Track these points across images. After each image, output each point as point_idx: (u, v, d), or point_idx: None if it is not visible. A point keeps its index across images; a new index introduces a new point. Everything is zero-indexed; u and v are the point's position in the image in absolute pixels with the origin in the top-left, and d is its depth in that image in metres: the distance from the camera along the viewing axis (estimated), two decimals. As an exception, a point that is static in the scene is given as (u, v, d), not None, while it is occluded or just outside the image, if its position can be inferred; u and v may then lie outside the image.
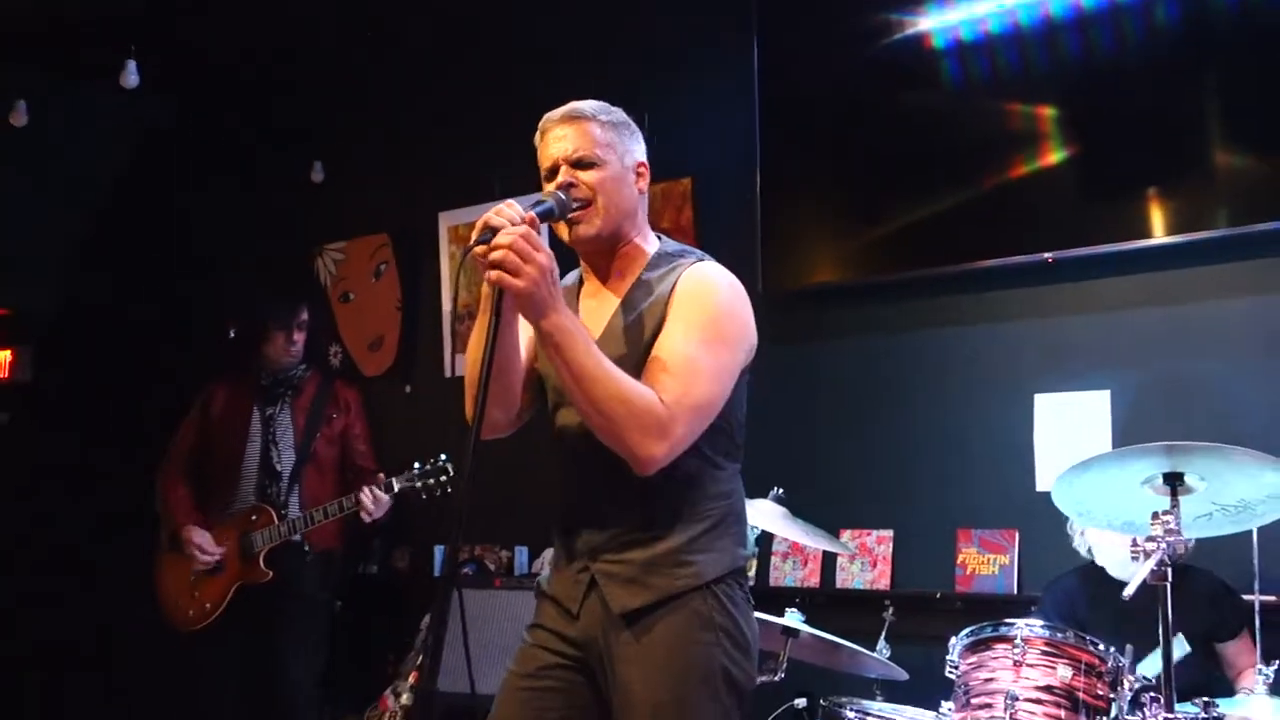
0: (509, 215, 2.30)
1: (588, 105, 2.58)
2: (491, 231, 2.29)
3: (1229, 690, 3.49)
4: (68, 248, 6.87)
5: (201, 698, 4.90)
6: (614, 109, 2.61)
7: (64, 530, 6.56)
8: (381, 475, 4.65)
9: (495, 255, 2.25)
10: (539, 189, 2.57)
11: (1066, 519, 3.82)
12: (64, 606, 6.46)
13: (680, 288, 2.50)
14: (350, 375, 6.14)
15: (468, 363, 2.52)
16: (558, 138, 2.54)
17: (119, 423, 6.59)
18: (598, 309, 2.59)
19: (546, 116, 2.59)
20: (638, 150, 2.62)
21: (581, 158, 2.51)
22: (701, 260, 2.59)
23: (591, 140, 2.52)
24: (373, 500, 4.58)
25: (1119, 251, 4.24)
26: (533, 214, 2.35)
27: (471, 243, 2.31)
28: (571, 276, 2.71)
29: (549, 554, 5.47)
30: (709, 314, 2.48)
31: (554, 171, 2.53)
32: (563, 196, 2.49)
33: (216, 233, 6.87)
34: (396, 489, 4.59)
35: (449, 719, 4.96)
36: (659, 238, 2.67)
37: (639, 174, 2.60)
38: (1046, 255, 4.34)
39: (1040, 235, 4.38)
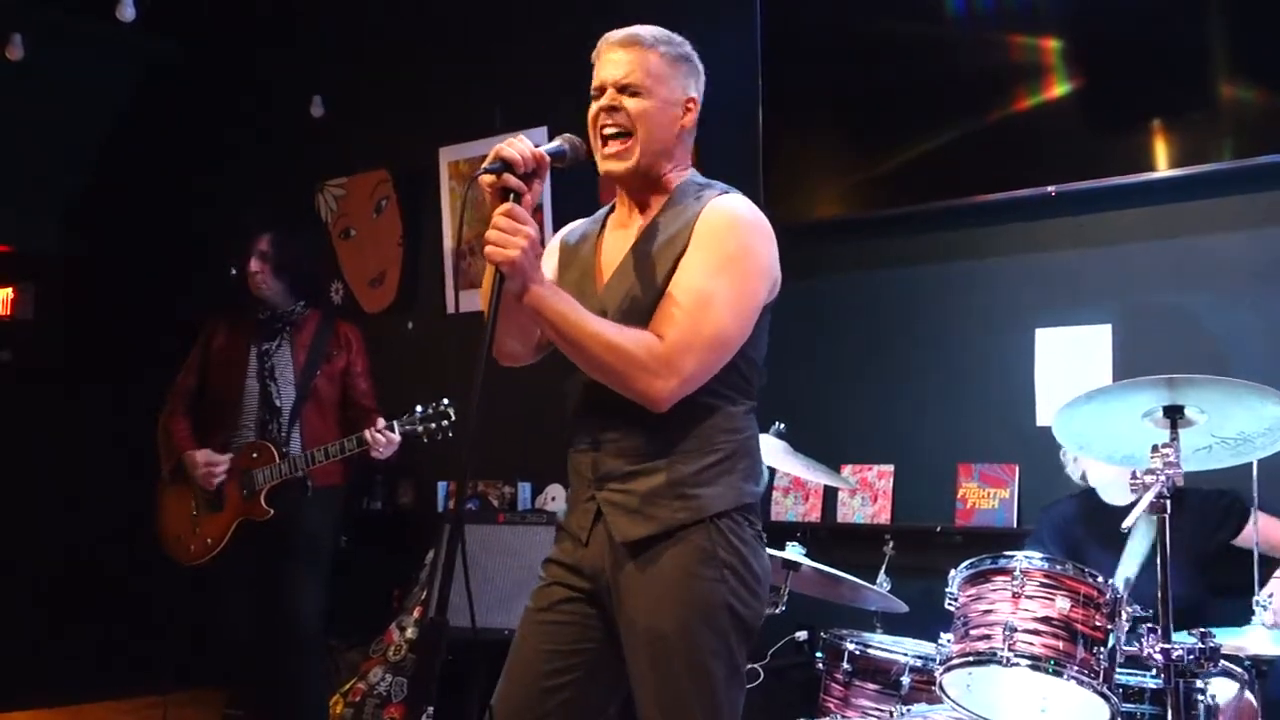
0: (520, 149, 2.33)
1: (648, 33, 2.55)
2: (502, 162, 2.32)
3: (1226, 619, 3.51)
4: (69, 184, 6.85)
5: (214, 630, 4.93)
6: (677, 40, 2.59)
7: (65, 467, 6.59)
8: (380, 420, 4.63)
9: (488, 234, 2.30)
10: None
11: (1060, 447, 3.83)
12: (64, 542, 6.51)
13: (701, 221, 2.47)
14: (351, 313, 6.13)
15: (482, 296, 2.52)
16: (611, 60, 2.52)
17: (120, 361, 6.60)
18: (618, 241, 2.58)
19: (605, 36, 2.57)
20: (691, 85, 2.58)
21: (629, 84, 2.49)
22: (726, 193, 2.55)
23: (644, 69, 2.50)
24: (383, 440, 4.57)
25: (1122, 185, 4.23)
26: (542, 152, 2.37)
27: (481, 169, 2.33)
28: (603, 210, 2.71)
29: (554, 488, 5.52)
30: (728, 248, 2.44)
31: (601, 92, 2.52)
32: (577, 143, 2.49)
33: (217, 170, 6.84)
34: (398, 432, 4.58)
35: (453, 653, 5.00)
36: (692, 171, 2.64)
37: (687, 109, 2.57)
38: (1049, 189, 4.33)
39: (1043, 169, 4.36)
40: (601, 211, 2.71)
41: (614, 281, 2.53)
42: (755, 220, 2.51)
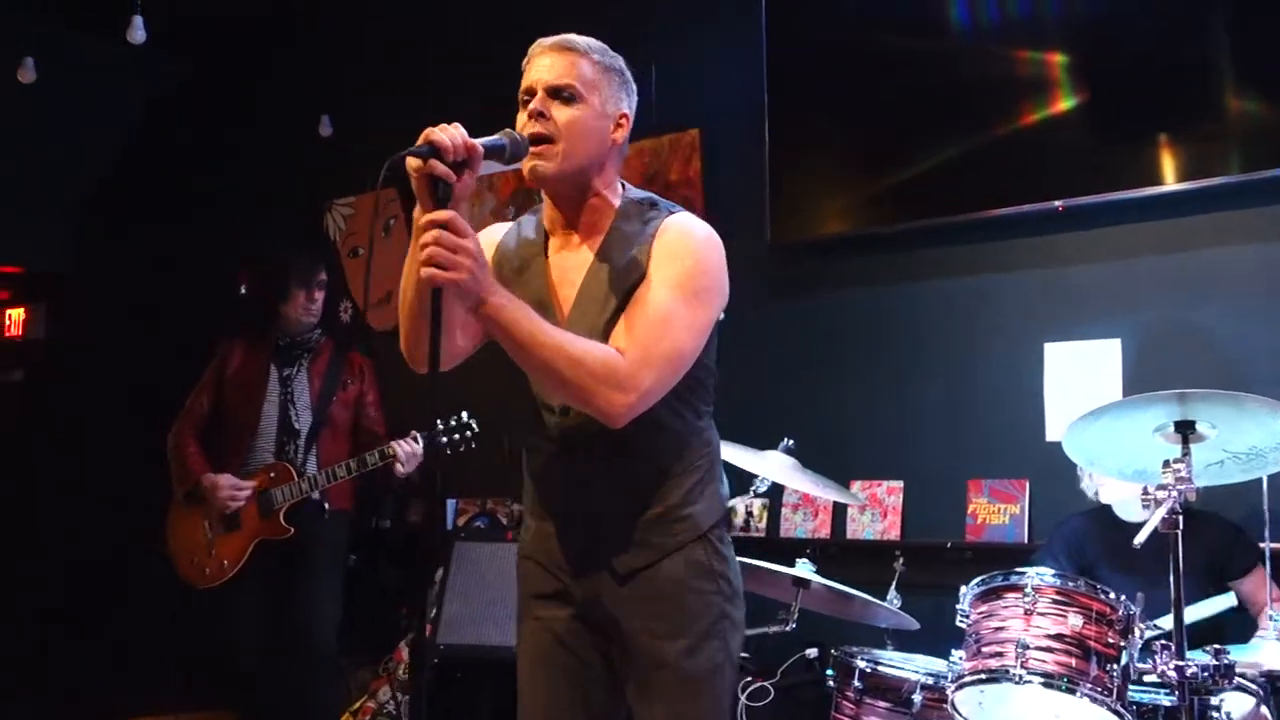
0: (451, 134, 2.18)
1: (583, 40, 2.48)
2: (430, 146, 2.16)
3: (1242, 635, 3.50)
4: (79, 205, 6.87)
5: (225, 649, 4.94)
6: (611, 52, 2.51)
7: (75, 485, 6.60)
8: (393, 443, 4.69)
9: (423, 254, 2.13)
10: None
11: (1073, 463, 3.82)
12: (72, 560, 6.52)
13: (660, 241, 2.43)
14: (360, 331, 6.14)
15: (401, 295, 2.44)
16: (543, 64, 2.44)
17: (130, 380, 6.61)
18: (570, 266, 2.51)
19: (538, 41, 2.49)
20: (624, 101, 2.51)
21: (561, 87, 2.41)
22: (674, 211, 2.51)
23: (576, 74, 2.42)
24: (407, 450, 4.63)
25: (1129, 199, 4.22)
26: (476, 144, 2.21)
27: (408, 150, 2.16)
28: (528, 224, 2.60)
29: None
30: (687, 268, 2.41)
31: (530, 94, 2.43)
32: (519, 138, 2.37)
33: (226, 189, 6.86)
34: (420, 444, 4.64)
35: (460, 670, 4.99)
36: (624, 186, 2.56)
37: (618, 124, 2.49)
38: (1056, 203, 4.32)
39: (1050, 183, 4.35)
40: (529, 229, 2.59)
41: (575, 314, 2.45)
42: (710, 238, 2.48)
